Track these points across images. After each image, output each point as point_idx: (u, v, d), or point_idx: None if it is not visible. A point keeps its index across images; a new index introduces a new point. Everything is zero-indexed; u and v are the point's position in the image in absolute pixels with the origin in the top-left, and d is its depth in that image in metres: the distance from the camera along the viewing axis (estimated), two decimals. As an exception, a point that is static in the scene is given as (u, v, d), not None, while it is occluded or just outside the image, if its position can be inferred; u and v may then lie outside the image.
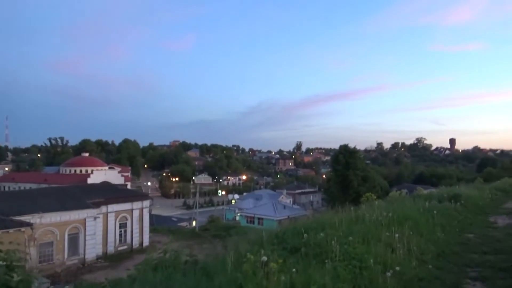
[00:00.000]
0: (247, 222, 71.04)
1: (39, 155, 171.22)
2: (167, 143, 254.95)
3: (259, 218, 69.55)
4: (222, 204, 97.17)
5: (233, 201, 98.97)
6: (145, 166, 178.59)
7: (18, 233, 26.23)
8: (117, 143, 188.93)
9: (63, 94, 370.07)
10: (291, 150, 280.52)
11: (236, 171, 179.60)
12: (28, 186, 69.76)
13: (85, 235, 34.18)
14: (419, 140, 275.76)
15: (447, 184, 36.20)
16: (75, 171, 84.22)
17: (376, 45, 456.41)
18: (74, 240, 33.64)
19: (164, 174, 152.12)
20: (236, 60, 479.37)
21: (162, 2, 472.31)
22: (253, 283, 4.69)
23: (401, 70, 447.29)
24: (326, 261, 5.92)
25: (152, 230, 44.75)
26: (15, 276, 4.55)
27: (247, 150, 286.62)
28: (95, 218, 35.30)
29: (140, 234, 41.02)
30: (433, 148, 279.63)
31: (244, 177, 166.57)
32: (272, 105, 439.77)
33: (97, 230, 35.64)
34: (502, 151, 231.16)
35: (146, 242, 41.22)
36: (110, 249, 37.61)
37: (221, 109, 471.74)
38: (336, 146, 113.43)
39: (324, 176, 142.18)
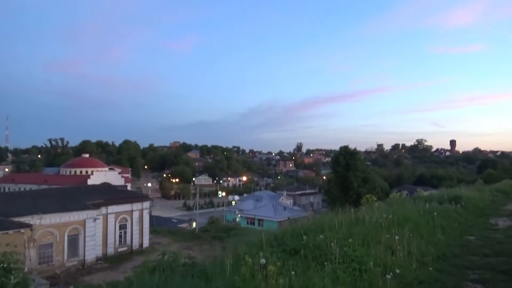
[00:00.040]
0: (247, 223, 71.01)
1: (39, 156, 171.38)
2: (167, 144, 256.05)
3: (259, 220, 69.51)
4: (222, 205, 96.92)
5: (233, 202, 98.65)
6: (145, 167, 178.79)
7: (18, 235, 26.17)
8: (117, 144, 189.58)
9: (63, 94, 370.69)
10: (292, 151, 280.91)
11: (236, 172, 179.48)
12: (28, 187, 69.72)
13: (84, 237, 34.12)
14: (419, 142, 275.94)
15: (447, 185, 36.22)
16: (75, 172, 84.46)
17: (376, 47, 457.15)
18: (73, 241, 33.57)
19: (164, 175, 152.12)
20: (237, 61, 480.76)
21: (162, 2, 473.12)
22: (251, 287, 4.66)
23: (402, 72, 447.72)
24: (326, 263, 5.89)
25: (152, 231, 44.62)
26: (12, 279, 4.53)
27: (247, 151, 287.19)
28: (95, 220, 35.25)
29: (140, 235, 40.94)
30: (433, 149, 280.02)
31: (244, 178, 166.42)
32: (272, 106, 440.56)
33: (97, 232, 35.56)
34: (503, 153, 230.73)
35: (146, 243, 41.14)
36: (110, 250, 37.52)
37: (222, 110, 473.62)
38: (336, 147, 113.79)
39: (324, 177, 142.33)
